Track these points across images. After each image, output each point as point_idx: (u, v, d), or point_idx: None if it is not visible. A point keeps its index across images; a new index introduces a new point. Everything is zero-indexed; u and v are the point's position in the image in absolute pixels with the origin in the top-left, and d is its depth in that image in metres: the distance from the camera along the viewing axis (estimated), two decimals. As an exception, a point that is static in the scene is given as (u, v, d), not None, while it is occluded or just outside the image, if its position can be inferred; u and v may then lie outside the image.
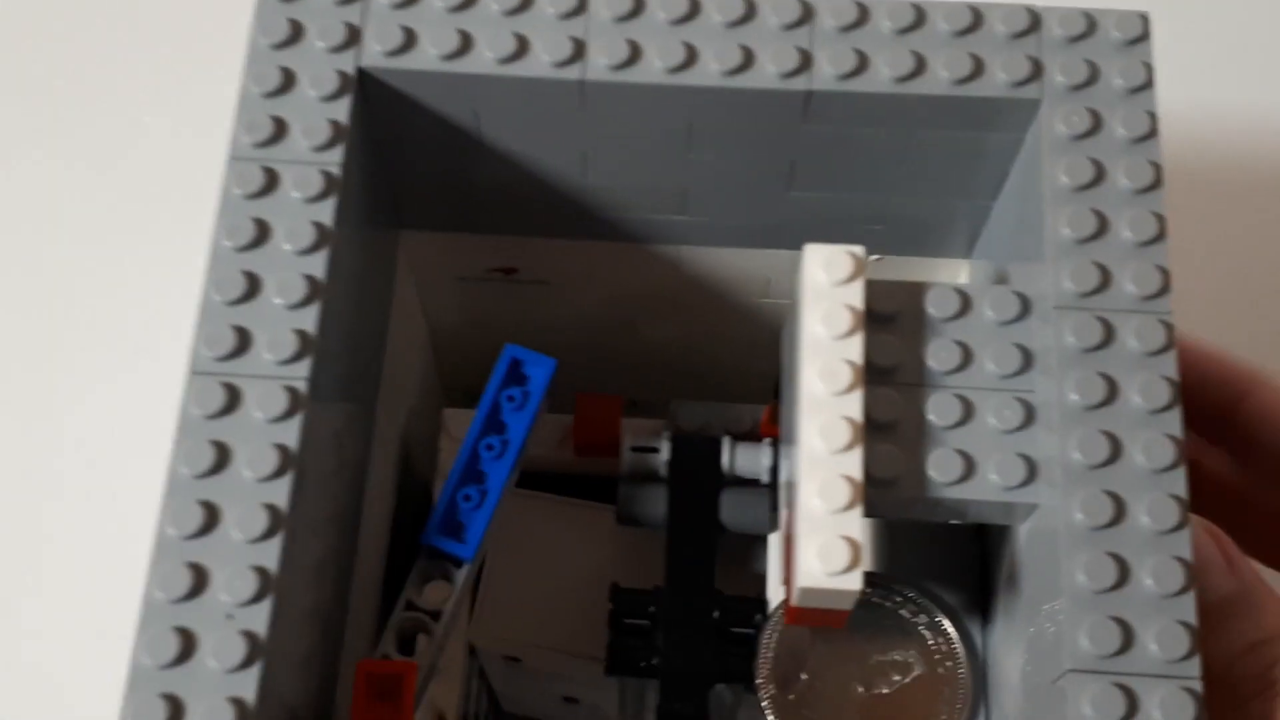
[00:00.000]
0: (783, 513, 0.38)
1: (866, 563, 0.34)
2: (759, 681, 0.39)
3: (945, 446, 0.36)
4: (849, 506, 0.34)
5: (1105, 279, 0.36)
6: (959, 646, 0.40)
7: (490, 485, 0.38)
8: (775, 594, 0.41)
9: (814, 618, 0.36)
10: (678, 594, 0.41)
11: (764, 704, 0.39)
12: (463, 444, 0.38)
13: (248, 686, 0.32)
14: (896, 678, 0.40)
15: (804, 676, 0.40)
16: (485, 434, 0.38)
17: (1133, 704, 0.32)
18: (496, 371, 0.39)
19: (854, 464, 0.34)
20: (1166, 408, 0.35)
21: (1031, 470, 0.35)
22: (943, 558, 0.42)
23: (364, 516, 0.42)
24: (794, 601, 0.34)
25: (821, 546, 0.33)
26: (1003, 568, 0.39)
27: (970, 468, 0.36)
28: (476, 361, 0.47)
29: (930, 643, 0.40)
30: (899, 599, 0.40)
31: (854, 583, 0.33)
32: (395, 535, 0.46)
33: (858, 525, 0.34)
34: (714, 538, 0.42)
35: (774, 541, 0.40)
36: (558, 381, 0.42)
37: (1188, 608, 0.33)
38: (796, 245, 0.39)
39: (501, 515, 0.47)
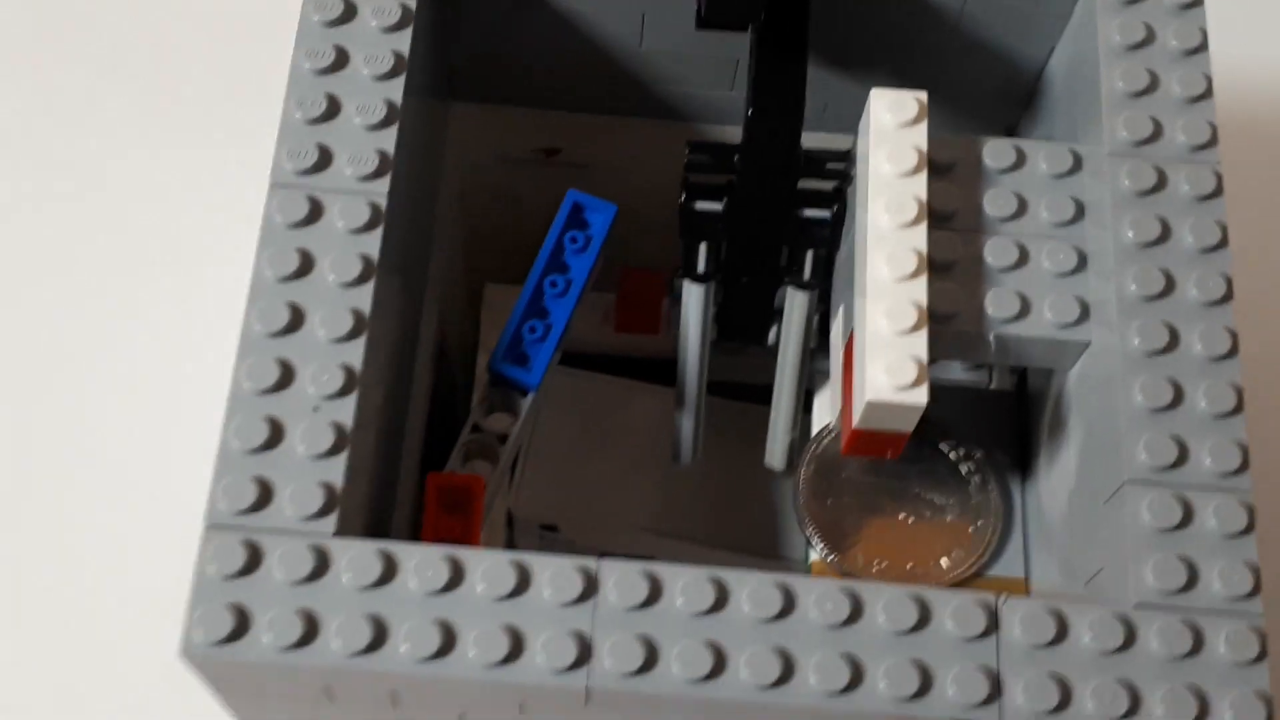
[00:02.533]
0: (837, 350, 0.39)
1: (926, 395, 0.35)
2: (803, 467, 0.41)
3: (1002, 286, 0.37)
4: (915, 328, 0.35)
5: (1158, 129, 0.38)
6: (997, 511, 0.41)
7: (554, 321, 0.39)
8: (826, 415, 0.42)
9: (872, 445, 0.37)
10: (757, 145, 0.38)
11: (799, 483, 0.41)
12: (526, 281, 0.39)
13: (335, 472, 0.33)
14: (927, 514, 0.41)
15: (844, 475, 0.41)
16: (548, 273, 0.39)
17: (1189, 512, 0.33)
18: (559, 215, 0.39)
19: (919, 292, 0.35)
20: (1217, 247, 0.36)
21: (1084, 310, 0.37)
22: (987, 424, 0.43)
23: (414, 374, 0.43)
24: (857, 421, 0.35)
25: (889, 363, 0.34)
26: (1045, 421, 0.41)
27: (1025, 306, 0.37)
28: (510, 245, 0.48)
29: (973, 500, 0.42)
30: (961, 452, 0.42)
31: (920, 397, 0.34)
32: (433, 405, 0.47)
33: (923, 347, 0.35)
34: (802, 89, 0.38)
35: (833, 372, 0.41)
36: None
37: (1238, 428, 0.34)
38: (847, 128, 0.40)
39: (545, 390, 0.48)
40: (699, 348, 0.42)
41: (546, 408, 0.48)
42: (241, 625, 0.31)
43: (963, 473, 0.42)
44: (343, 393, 0.33)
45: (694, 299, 0.42)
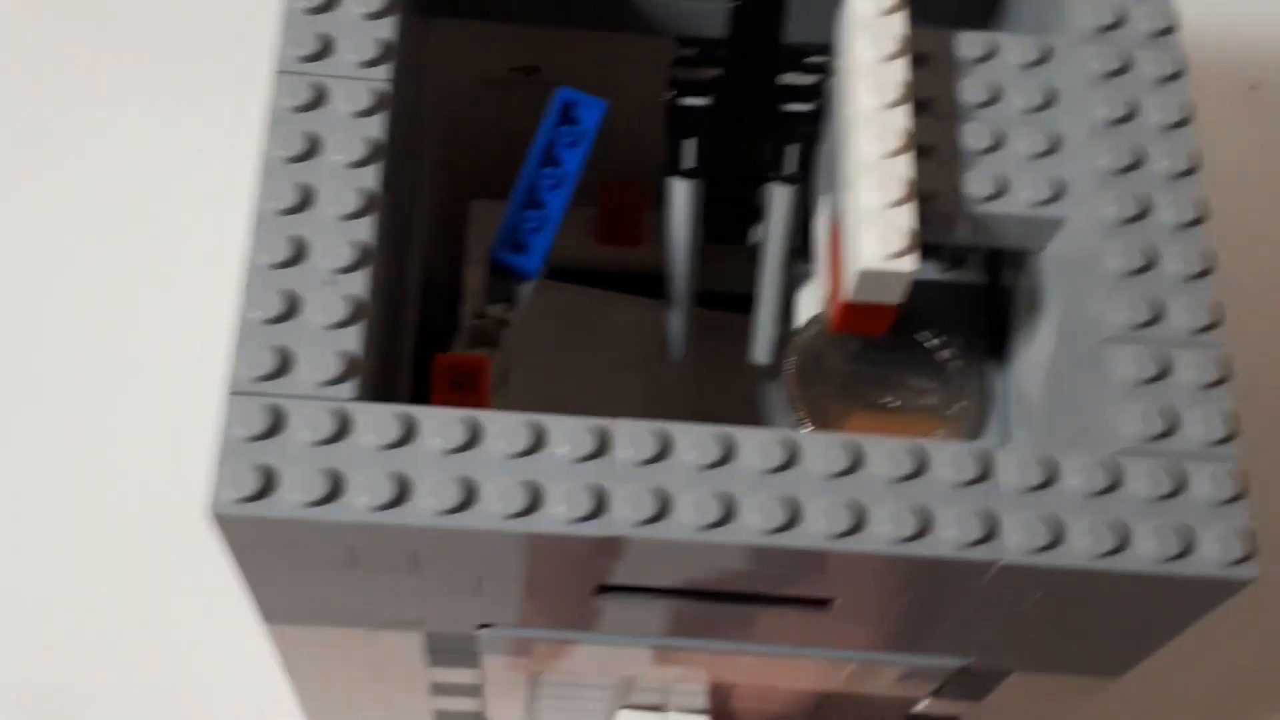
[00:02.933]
0: (821, 238, 0.41)
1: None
2: (789, 359, 0.42)
3: (979, 168, 0.39)
4: (902, 201, 0.36)
5: (1121, 16, 0.39)
6: (976, 393, 0.43)
7: (550, 212, 0.40)
8: (810, 309, 0.44)
9: (861, 320, 0.38)
10: (740, 38, 0.40)
11: (787, 371, 0.42)
12: (521, 173, 0.40)
13: (352, 341, 0.34)
14: (910, 399, 0.43)
15: (829, 364, 0.42)
16: (542, 167, 0.40)
17: (1166, 366, 0.35)
18: (550, 111, 0.41)
19: (905, 168, 0.37)
20: (1180, 124, 0.38)
21: (1058, 189, 0.39)
22: (962, 316, 0.45)
23: (407, 273, 0.44)
24: (846, 293, 0.37)
25: (879, 232, 0.36)
26: (1020, 305, 0.43)
27: (1002, 185, 0.39)
28: (493, 162, 0.49)
29: (952, 383, 0.43)
30: (939, 341, 0.43)
31: (908, 265, 0.36)
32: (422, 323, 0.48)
33: (911, 219, 0.36)
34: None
35: (818, 261, 0.42)
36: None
37: (1209, 291, 0.36)
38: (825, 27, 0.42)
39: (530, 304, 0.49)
40: (687, 244, 0.44)
41: (530, 320, 0.50)
42: (268, 484, 0.32)
43: (941, 359, 0.44)
44: (356, 266, 0.35)
45: (681, 196, 0.43)
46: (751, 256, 0.47)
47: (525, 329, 0.50)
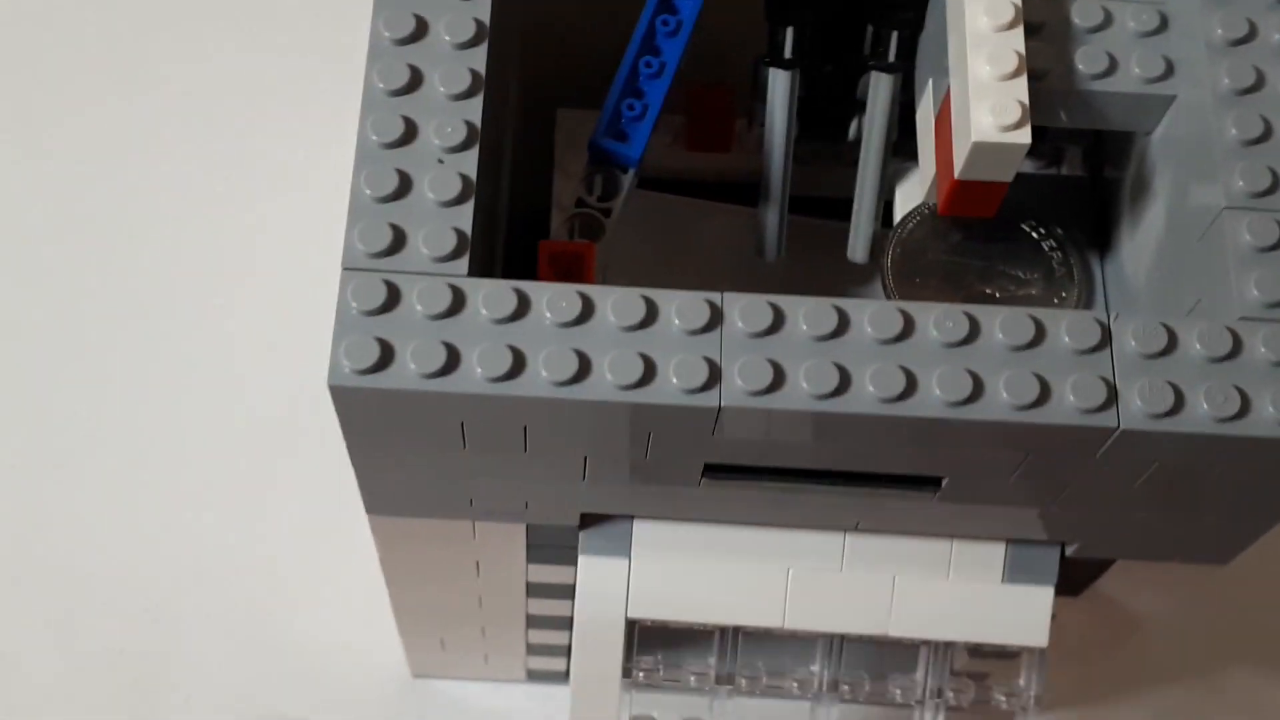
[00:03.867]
0: (927, 124, 0.41)
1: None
2: (888, 253, 0.42)
3: (1088, 45, 0.38)
4: (1015, 74, 0.36)
5: (1235, -110, 0.39)
6: (1080, 282, 0.43)
7: (650, 100, 0.40)
8: (905, 204, 0.43)
9: (971, 200, 0.38)
10: None
11: (887, 266, 0.42)
12: (622, 62, 0.40)
13: (464, 219, 0.34)
14: (1012, 289, 0.42)
15: (930, 257, 0.42)
16: (642, 54, 0.40)
17: (1287, 232, 0.35)
18: (649, 1, 0.40)
19: (1017, 41, 0.36)
20: (1296, -4, 0.38)
21: (1169, 65, 0.38)
22: (1063, 208, 0.45)
23: (501, 168, 0.44)
24: (959, 170, 0.37)
25: (993, 104, 0.36)
26: (1126, 189, 0.42)
27: (1113, 63, 0.38)
28: (575, 73, 0.49)
29: (1056, 273, 0.43)
30: (1041, 231, 0.43)
31: (1024, 138, 0.35)
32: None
33: (1024, 91, 0.36)
34: None
35: (921, 149, 0.42)
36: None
37: (1330, 158, 0.36)
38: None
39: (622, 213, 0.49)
40: (784, 138, 0.43)
41: (621, 227, 0.50)
42: (386, 355, 0.32)
43: (1045, 249, 0.43)
44: (466, 146, 0.35)
45: (780, 85, 0.43)
46: (844, 163, 0.46)
47: (618, 236, 0.50)
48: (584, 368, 0.33)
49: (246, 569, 0.59)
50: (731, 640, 0.42)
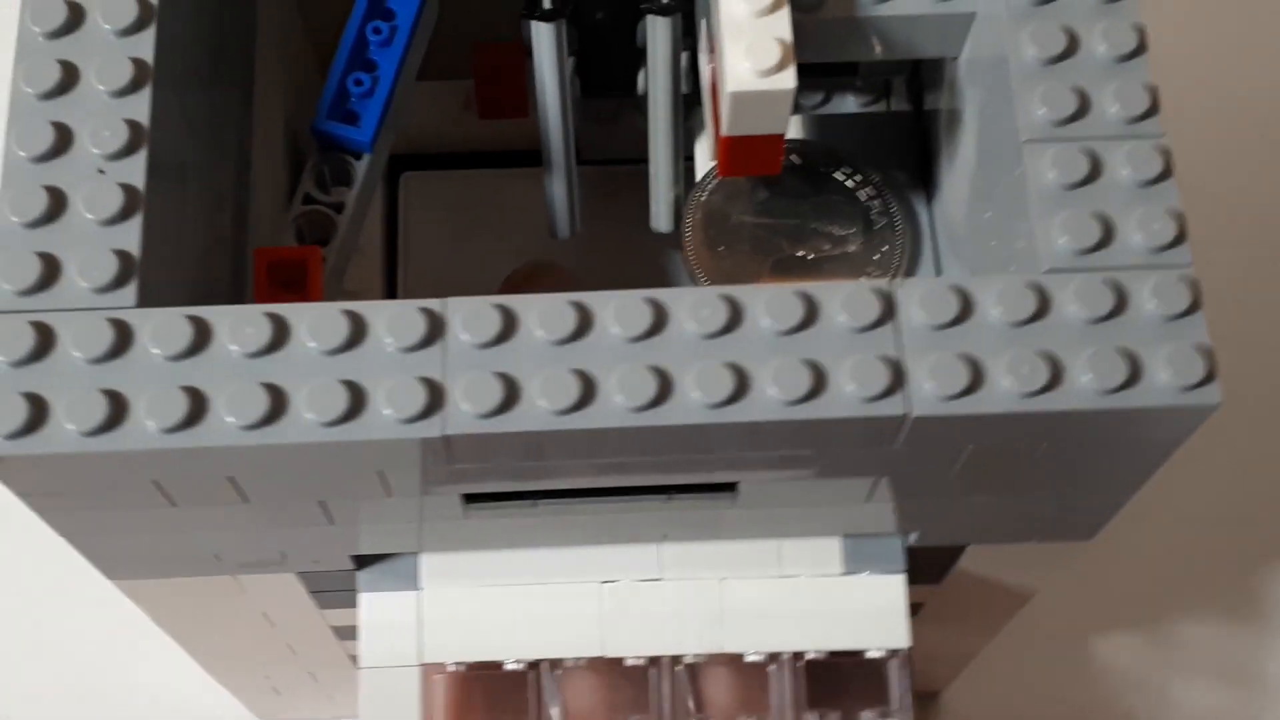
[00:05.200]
0: (705, 74, 0.35)
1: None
2: (689, 219, 0.37)
3: (869, -35, 0.33)
4: (774, 8, 0.31)
5: None
6: (902, 232, 0.38)
7: (382, 72, 0.34)
8: (704, 162, 0.38)
9: (749, 158, 0.33)
10: None
11: (686, 235, 0.37)
12: (345, 28, 0.34)
13: (130, 238, 0.29)
14: (828, 247, 0.37)
15: (735, 220, 0.37)
16: (370, 19, 0.34)
17: (1096, 164, 0.30)
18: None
19: (774, -30, 0.31)
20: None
21: (963, -20, 0.33)
22: (889, 149, 0.40)
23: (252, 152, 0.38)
24: (725, 126, 0.32)
25: (749, 46, 0.30)
26: (941, 123, 0.37)
27: (898, -18, 0.33)
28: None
29: (875, 225, 0.38)
30: (858, 179, 0.38)
31: (786, 82, 0.30)
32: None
33: (785, 28, 0.31)
34: None
35: (704, 101, 0.37)
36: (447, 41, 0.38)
37: (1143, 71, 0.30)
38: None
39: (410, 195, 0.44)
40: (558, 99, 0.38)
41: (413, 211, 0.44)
42: (38, 413, 0.27)
43: (861, 199, 0.38)
44: (130, 150, 0.29)
45: (545, 41, 0.37)
46: (642, 108, 0.41)
47: (416, 223, 0.45)
48: (278, 405, 0.28)
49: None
50: (552, 685, 0.37)
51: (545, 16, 0.37)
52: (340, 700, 0.51)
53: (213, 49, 0.35)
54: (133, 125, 0.29)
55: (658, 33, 0.37)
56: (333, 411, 0.27)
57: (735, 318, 0.28)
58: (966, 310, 0.28)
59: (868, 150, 0.40)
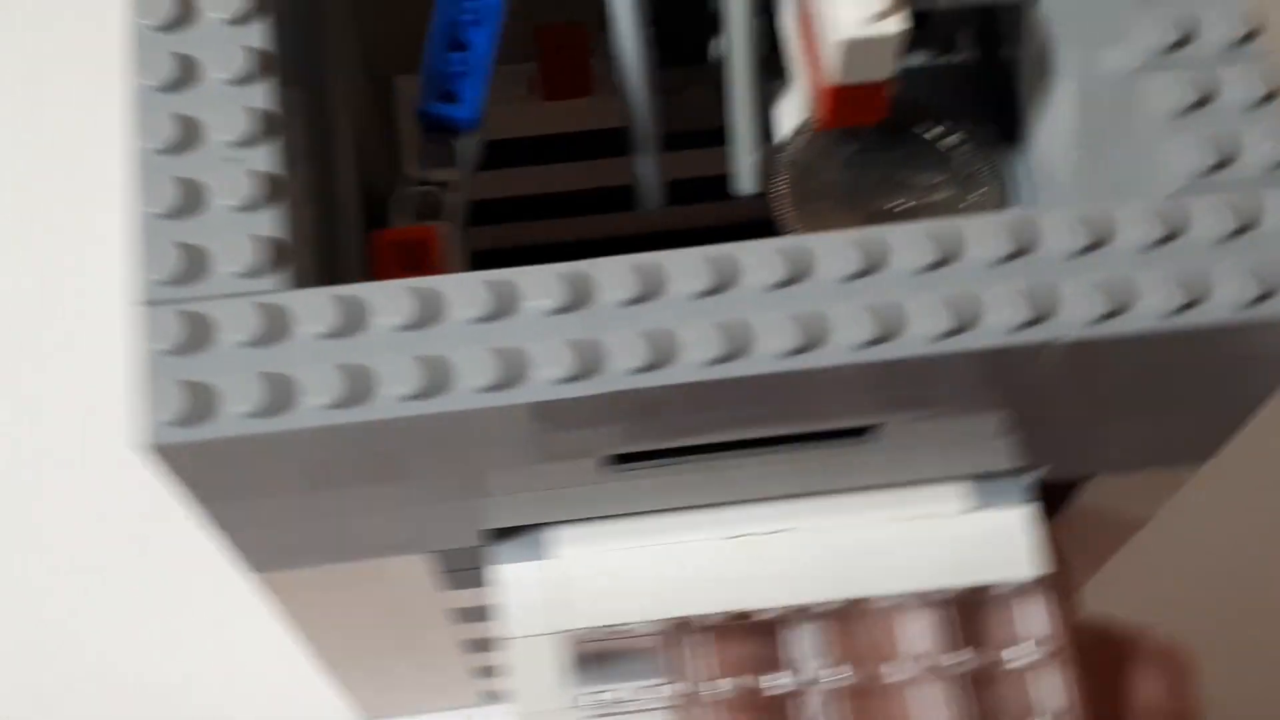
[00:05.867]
0: (789, 14, 0.36)
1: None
2: (779, 179, 0.37)
3: (956, -88, 0.34)
4: (876, -44, 0.31)
5: None
6: (992, 176, 0.38)
7: (478, 51, 0.35)
8: (785, 122, 0.39)
9: (852, 108, 0.33)
10: None
11: (776, 196, 0.38)
12: (436, 14, 0.35)
13: (274, 223, 0.29)
14: (919, 197, 0.38)
15: (822, 178, 0.38)
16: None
17: (1210, 90, 0.30)
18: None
19: (873, -83, 0.32)
20: None
21: (1050, -80, 0.34)
22: (963, 99, 0.40)
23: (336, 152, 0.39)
24: (833, 75, 0.32)
25: (856, -6, 0.31)
26: (1027, 63, 0.38)
27: (986, -74, 0.34)
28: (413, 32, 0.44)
29: (965, 170, 0.38)
30: (941, 128, 0.38)
31: (895, 25, 0.31)
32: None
33: (889, -25, 0.31)
34: None
35: (792, 60, 0.38)
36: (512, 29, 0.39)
37: (1244, -5, 0.31)
38: None
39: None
40: (641, 70, 0.39)
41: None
42: (202, 400, 0.28)
43: (948, 148, 0.39)
44: (260, 137, 0.30)
45: (625, 10, 0.38)
46: (716, 79, 0.42)
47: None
48: (440, 375, 0.28)
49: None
50: (688, 643, 0.37)
51: (626, -12, 0.38)
52: (451, 692, 0.52)
53: (302, 38, 0.35)
54: (259, 113, 0.30)
55: (736, -3, 0.38)
56: (490, 377, 0.28)
57: (876, 259, 0.29)
58: (1100, 236, 0.29)
59: (942, 103, 0.40)
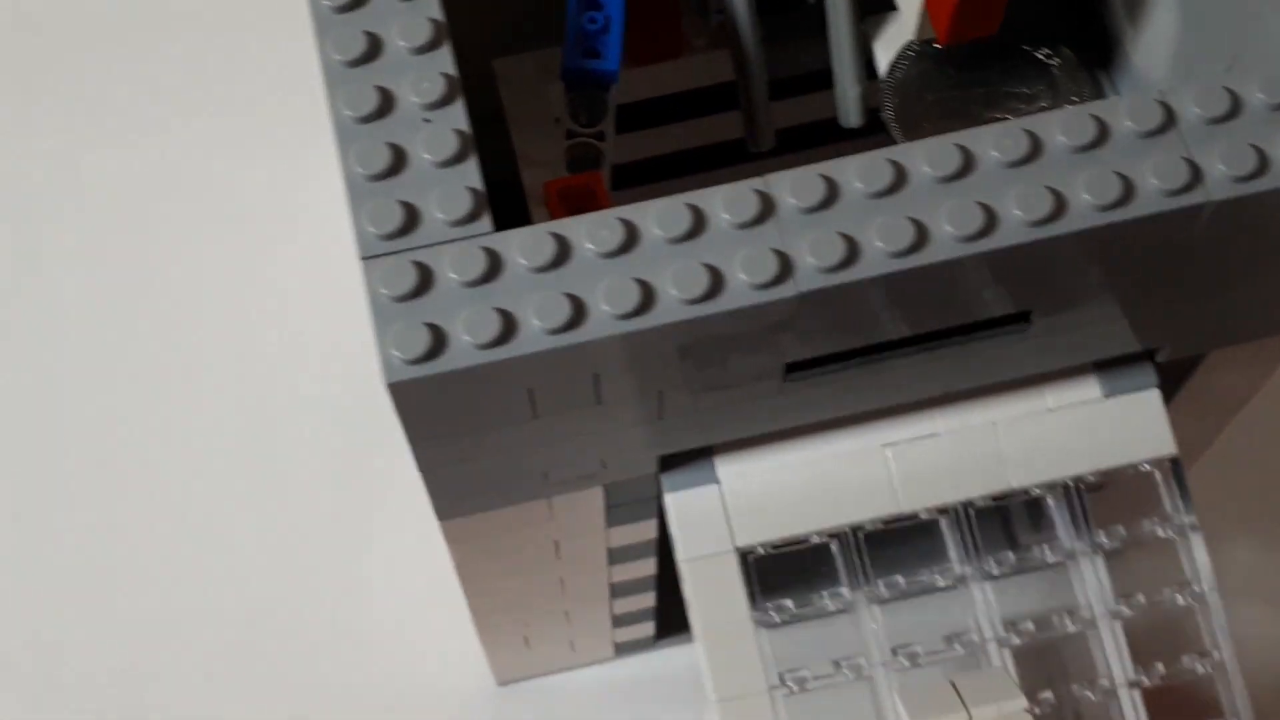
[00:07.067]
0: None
1: None
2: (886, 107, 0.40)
3: None
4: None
5: None
6: (1090, 84, 0.41)
7: (611, 10, 0.37)
8: (889, 50, 0.41)
9: (975, 17, 0.36)
10: None
11: (891, 119, 0.40)
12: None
13: (472, 176, 0.31)
14: (1022, 107, 0.40)
15: (930, 98, 0.40)
16: (589, -31, 0.37)
17: (1314, -39, 0.33)
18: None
19: None
20: None
21: None
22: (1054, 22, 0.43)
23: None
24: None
25: (977, -89, 0.33)
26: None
27: None
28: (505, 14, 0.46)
29: (1063, 83, 0.41)
30: (1037, 45, 0.41)
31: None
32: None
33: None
34: None
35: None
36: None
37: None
38: None
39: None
40: (747, 16, 0.41)
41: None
42: (438, 337, 0.30)
43: (1044, 60, 0.41)
44: (448, 99, 0.32)
45: (732, -34, 0.40)
46: (806, 35, 0.44)
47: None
48: (647, 294, 0.30)
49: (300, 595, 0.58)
50: (855, 549, 0.39)
51: (732, -59, 0.40)
52: (580, 646, 0.54)
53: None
54: (446, 78, 0.32)
55: (834, -62, 0.40)
56: (696, 290, 0.30)
57: (1036, 146, 0.31)
58: (1237, 104, 0.31)
59: (1036, 25, 0.43)
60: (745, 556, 0.38)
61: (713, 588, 0.39)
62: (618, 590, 0.48)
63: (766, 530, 0.39)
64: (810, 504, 0.39)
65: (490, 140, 0.49)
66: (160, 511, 0.60)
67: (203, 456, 0.60)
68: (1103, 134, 0.31)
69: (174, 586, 0.58)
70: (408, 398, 0.30)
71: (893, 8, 0.41)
